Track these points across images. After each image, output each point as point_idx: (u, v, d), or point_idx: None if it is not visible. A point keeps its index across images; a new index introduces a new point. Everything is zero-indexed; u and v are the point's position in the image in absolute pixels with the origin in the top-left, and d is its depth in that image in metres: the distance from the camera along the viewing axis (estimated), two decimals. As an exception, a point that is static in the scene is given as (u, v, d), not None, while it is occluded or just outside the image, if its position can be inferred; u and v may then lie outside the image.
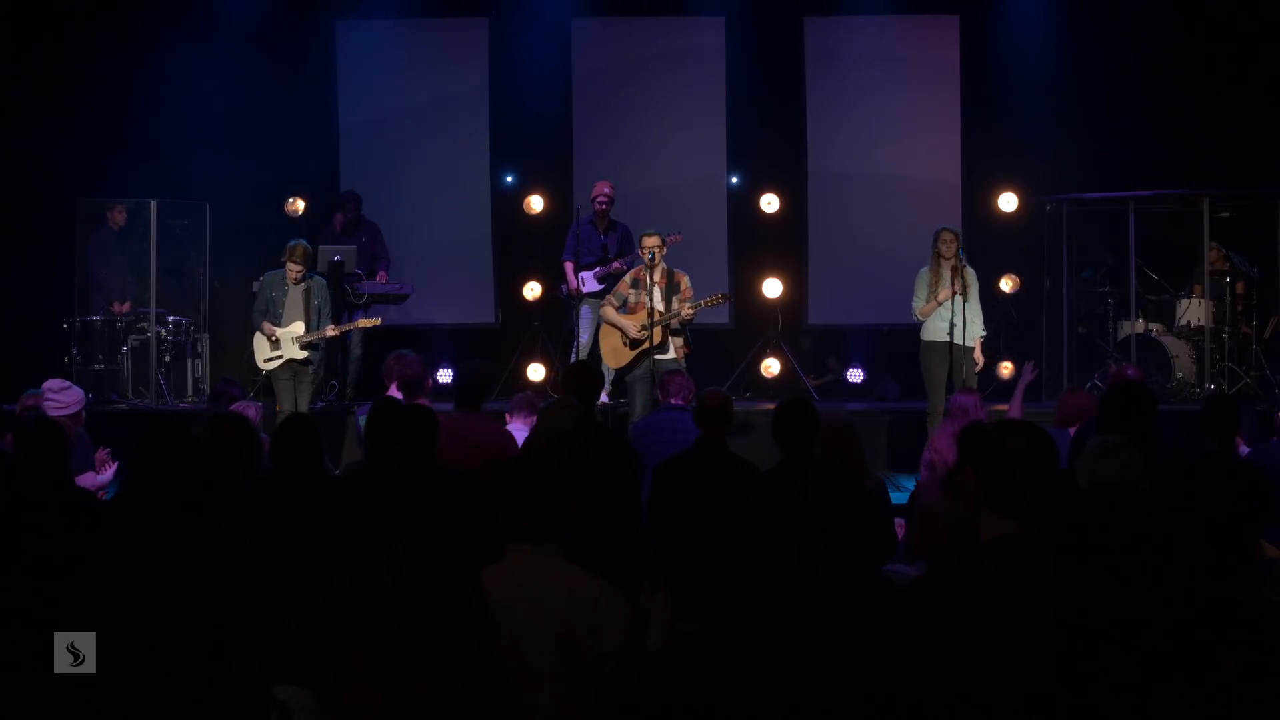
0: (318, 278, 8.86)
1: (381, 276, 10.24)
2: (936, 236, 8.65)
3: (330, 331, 8.67)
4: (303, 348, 8.56)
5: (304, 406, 8.52)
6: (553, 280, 10.78)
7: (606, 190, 9.98)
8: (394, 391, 7.13)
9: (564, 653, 3.20)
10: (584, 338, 9.85)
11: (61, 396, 6.47)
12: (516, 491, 3.43)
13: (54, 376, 6.92)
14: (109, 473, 6.11)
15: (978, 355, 8.72)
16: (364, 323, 9.09)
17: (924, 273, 8.70)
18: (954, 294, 8.40)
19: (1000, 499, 2.61)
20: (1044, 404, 10.16)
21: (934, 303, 8.56)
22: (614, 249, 9.93)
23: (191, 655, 3.09)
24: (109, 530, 4.16)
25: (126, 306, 10.29)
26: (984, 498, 2.63)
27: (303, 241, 8.70)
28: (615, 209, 10.09)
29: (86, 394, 9.95)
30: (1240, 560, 3.44)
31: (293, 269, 8.53)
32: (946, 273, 8.52)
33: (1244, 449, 6.01)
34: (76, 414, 6.43)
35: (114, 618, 3.11)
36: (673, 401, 6.72)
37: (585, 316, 9.88)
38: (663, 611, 3.24)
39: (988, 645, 2.49)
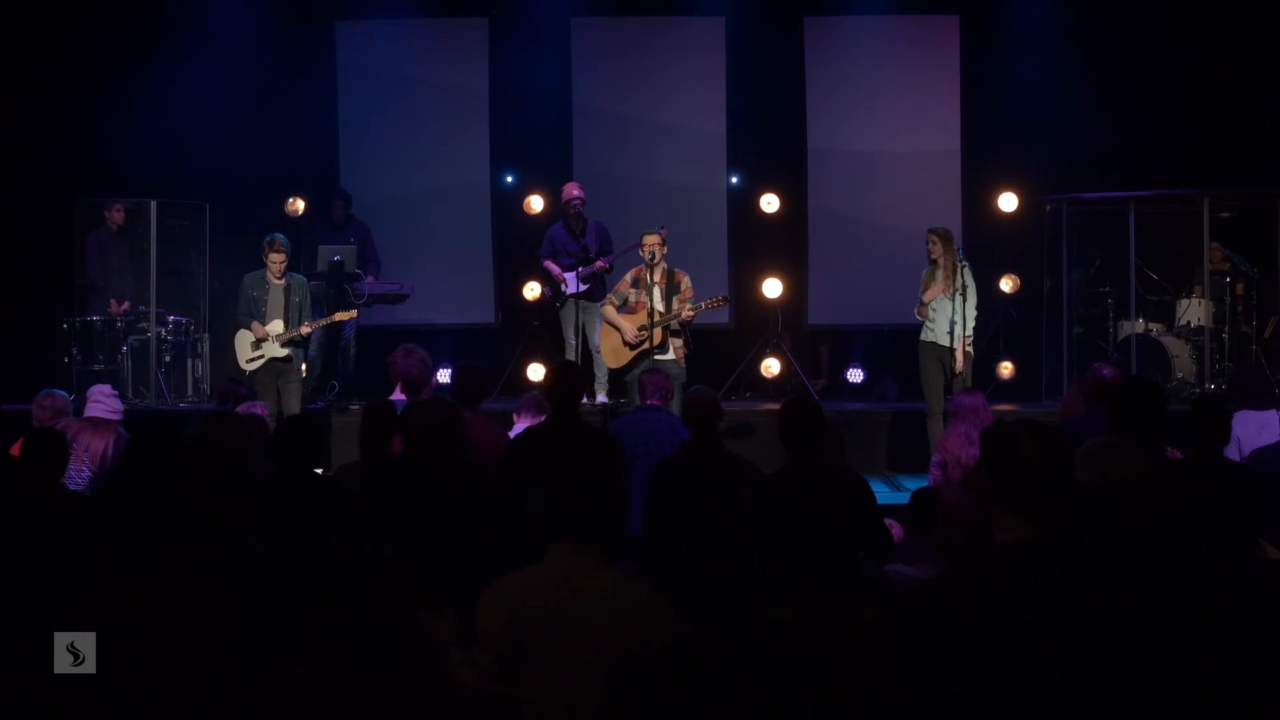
0: (299, 276, 8.84)
1: (369, 279, 10.17)
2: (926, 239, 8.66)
3: (305, 329, 8.59)
4: (283, 345, 8.54)
5: (295, 408, 8.46)
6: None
7: (576, 192, 9.92)
8: (398, 393, 7.06)
9: (610, 653, 3.15)
10: (572, 339, 9.83)
11: (112, 401, 6.55)
12: (558, 490, 3.38)
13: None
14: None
15: (959, 355, 8.38)
16: (340, 316, 8.94)
17: (924, 274, 8.67)
18: (950, 293, 8.36)
19: (1014, 501, 2.61)
20: (1044, 404, 10.16)
21: (925, 304, 8.49)
22: (594, 248, 9.84)
23: (191, 657, 3.10)
24: (114, 532, 4.18)
25: (125, 306, 10.26)
26: (998, 499, 2.63)
27: (279, 235, 8.68)
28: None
29: (85, 394, 10.06)
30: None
31: (275, 260, 8.51)
32: (939, 273, 8.49)
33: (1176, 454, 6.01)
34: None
35: (116, 619, 3.11)
36: (649, 402, 6.68)
37: (570, 318, 9.83)
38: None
39: (1002, 647, 2.49)
